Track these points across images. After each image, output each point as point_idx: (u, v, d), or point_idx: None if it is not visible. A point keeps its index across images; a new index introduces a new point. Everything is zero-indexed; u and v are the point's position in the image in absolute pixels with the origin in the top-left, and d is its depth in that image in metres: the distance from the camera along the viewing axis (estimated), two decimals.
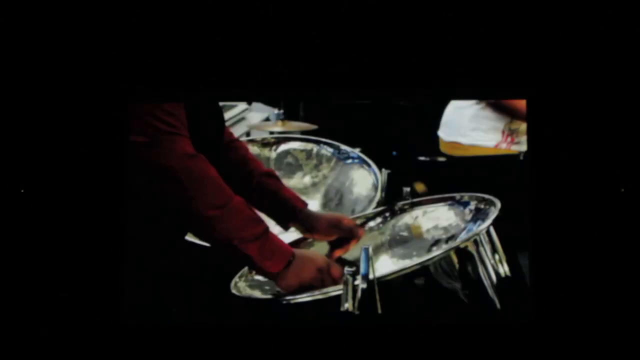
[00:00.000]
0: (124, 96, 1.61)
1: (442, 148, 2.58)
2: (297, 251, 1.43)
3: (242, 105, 3.20)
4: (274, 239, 1.37)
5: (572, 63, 1.70)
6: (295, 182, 2.01)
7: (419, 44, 1.70)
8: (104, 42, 1.69)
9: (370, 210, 1.77)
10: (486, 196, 1.61)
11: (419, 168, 2.36)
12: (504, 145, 2.44)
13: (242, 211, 1.34)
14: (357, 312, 1.28)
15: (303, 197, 1.63)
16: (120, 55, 1.70)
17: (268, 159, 2.07)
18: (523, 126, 2.38)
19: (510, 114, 2.41)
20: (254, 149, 1.99)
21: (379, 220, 1.73)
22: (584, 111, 1.70)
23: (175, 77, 1.71)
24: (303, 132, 2.54)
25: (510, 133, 2.43)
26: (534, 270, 1.67)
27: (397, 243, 1.67)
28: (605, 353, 1.65)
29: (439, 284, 1.43)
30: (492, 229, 1.47)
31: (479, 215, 1.59)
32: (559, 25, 1.68)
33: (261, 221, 1.37)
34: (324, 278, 1.40)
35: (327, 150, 2.06)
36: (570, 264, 1.70)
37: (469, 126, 2.47)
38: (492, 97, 2.12)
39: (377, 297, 1.29)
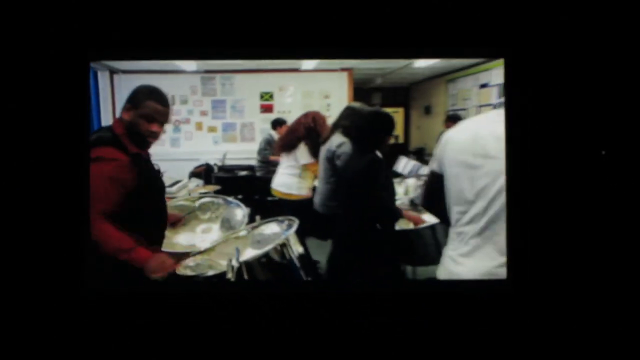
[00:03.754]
0: (85, 55, 1.52)
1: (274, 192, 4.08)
2: (153, 254, 2.02)
3: (185, 179, 4.46)
4: (140, 250, 1.94)
5: (549, 23, 1.60)
6: (207, 216, 3.01)
7: (400, 3, 1.60)
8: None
9: (242, 227, 2.81)
10: (292, 217, 2.64)
11: (264, 205, 3.65)
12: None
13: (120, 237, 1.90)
14: (233, 279, 2.07)
15: (212, 225, 2.93)
16: (80, 14, 1.56)
17: (194, 207, 3.05)
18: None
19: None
20: (186, 203, 3.13)
21: (246, 231, 2.74)
22: (560, 71, 1.60)
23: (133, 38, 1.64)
24: (215, 191, 3.90)
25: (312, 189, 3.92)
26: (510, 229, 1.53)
27: (254, 243, 2.65)
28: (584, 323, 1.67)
29: (274, 261, 2.38)
30: (294, 233, 2.50)
31: (289, 227, 2.61)
32: None
33: (132, 241, 1.92)
34: (165, 265, 2.03)
35: (222, 200, 3.10)
36: (548, 225, 1.63)
37: (287, 181, 4.06)
38: (471, 56, 1.92)
39: (244, 270, 2.16)
